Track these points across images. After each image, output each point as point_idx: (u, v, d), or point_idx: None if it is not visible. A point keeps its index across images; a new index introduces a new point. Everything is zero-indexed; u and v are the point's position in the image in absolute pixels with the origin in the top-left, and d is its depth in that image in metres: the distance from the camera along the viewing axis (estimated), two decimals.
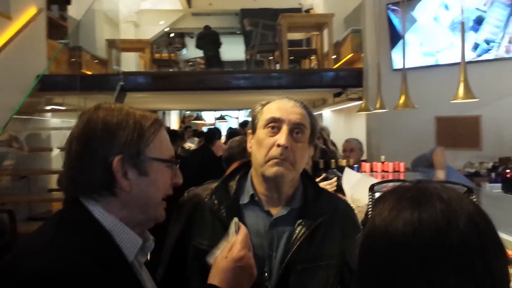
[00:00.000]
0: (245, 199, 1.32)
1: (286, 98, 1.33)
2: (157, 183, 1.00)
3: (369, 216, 0.71)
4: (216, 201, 1.32)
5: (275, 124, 1.27)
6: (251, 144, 1.33)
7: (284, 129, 1.26)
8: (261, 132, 1.29)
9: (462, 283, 0.62)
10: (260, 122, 1.30)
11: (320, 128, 5.36)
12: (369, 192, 1.47)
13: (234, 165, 2.21)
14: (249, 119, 1.50)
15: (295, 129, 1.27)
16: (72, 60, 7.10)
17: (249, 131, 1.36)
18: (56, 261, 0.83)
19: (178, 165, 1.06)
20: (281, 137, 1.25)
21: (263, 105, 1.34)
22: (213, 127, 8.96)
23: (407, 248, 0.64)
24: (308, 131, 1.31)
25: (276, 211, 1.30)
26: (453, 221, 0.64)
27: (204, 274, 1.26)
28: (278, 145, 1.24)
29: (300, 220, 1.29)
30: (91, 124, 0.96)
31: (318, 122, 1.41)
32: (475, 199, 1.18)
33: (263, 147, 1.27)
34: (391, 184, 0.78)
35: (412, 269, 0.63)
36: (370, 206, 0.65)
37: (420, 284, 0.62)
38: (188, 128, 10.53)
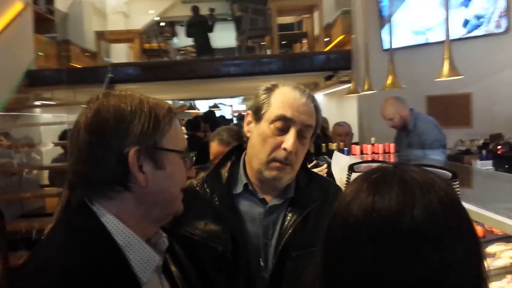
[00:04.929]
0: (238, 188, 1.27)
1: (296, 89, 1.22)
2: (174, 176, 0.93)
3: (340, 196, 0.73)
4: (208, 190, 1.27)
5: (284, 124, 1.18)
6: (250, 130, 1.25)
7: (293, 132, 1.18)
8: (267, 127, 1.20)
9: (411, 269, 0.61)
10: (268, 114, 1.20)
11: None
12: (348, 171, 1.45)
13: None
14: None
15: (303, 131, 1.20)
16: (61, 54, 7.03)
17: (249, 112, 1.27)
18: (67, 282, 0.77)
19: (193, 157, 0.99)
20: (288, 142, 1.17)
21: (270, 91, 1.23)
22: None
23: (359, 231, 0.64)
24: (313, 129, 1.24)
25: (270, 198, 1.26)
26: (407, 208, 0.62)
27: (197, 265, 1.22)
28: (284, 149, 1.17)
29: (291, 208, 1.25)
30: (102, 113, 0.87)
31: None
32: (457, 186, 1.14)
33: (267, 144, 1.19)
34: (375, 164, 0.80)
35: (363, 251, 0.63)
36: (345, 186, 0.72)
37: (369, 267, 0.62)
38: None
